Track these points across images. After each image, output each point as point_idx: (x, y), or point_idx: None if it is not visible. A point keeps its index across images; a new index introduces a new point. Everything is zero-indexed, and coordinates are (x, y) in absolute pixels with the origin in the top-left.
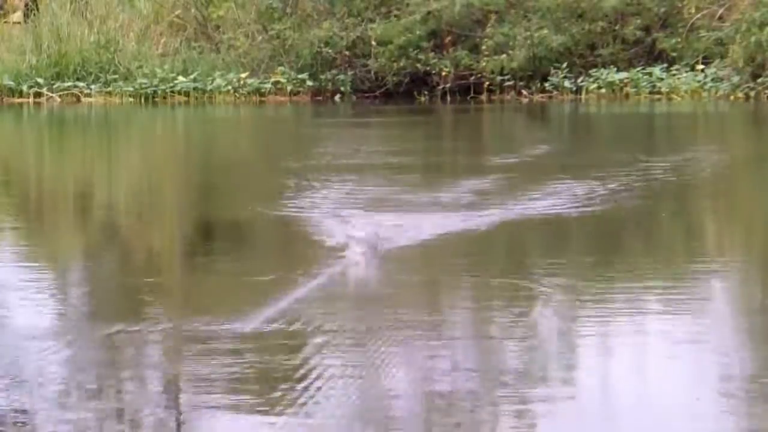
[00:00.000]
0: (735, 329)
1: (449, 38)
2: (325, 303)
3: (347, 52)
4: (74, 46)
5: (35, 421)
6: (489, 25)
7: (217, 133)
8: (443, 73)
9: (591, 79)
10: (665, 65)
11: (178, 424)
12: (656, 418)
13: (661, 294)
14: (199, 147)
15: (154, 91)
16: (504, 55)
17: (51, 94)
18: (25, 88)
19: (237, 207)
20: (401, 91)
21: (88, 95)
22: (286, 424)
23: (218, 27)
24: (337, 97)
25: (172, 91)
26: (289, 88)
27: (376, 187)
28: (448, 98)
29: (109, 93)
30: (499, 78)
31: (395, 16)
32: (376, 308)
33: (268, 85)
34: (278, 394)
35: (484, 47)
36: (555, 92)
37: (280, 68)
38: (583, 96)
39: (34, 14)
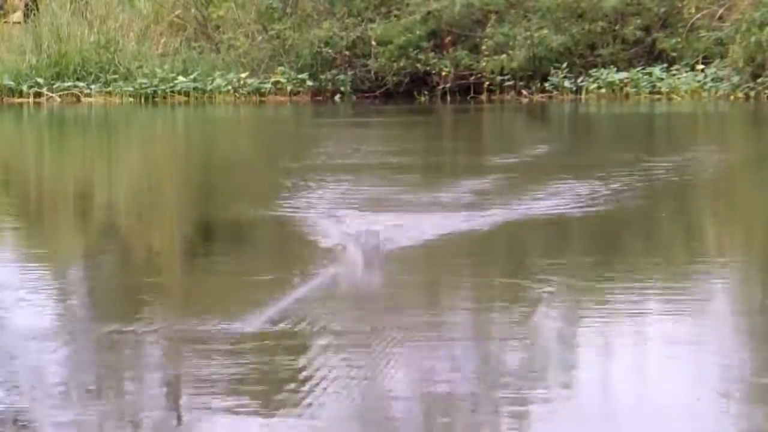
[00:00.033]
0: (736, 330)
1: (449, 38)
2: (326, 303)
3: (347, 52)
4: (74, 46)
5: (35, 422)
6: (489, 25)
7: (217, 133)
8: (443, 73)
9: (591, 79)
10: (665, 65)
11: (178, 425)
12: (656, 418)
13: (664, 294)
14: (199, 147)
15: (154, 91)
16: (504, 55)
17: (51, 94)
18: (25, 88)
19: (237, 207)
20: (401, 91)
21: (88, 95)
22: (287, 425)
23: (218, 27)
24: (337, 97)
25: (172, 91)
26: (289, 88)
27: (375, 187)
28: (448, 98)
29: (109, 93)
30: (499, 78)
31: (395, 16)
32: (377, 308)
33: (268, 85)
34: (279, 394)
35: (484, 47)
36: (555, 92)
37: (280, 68)
38: (583, 96)
39: (34, 14)
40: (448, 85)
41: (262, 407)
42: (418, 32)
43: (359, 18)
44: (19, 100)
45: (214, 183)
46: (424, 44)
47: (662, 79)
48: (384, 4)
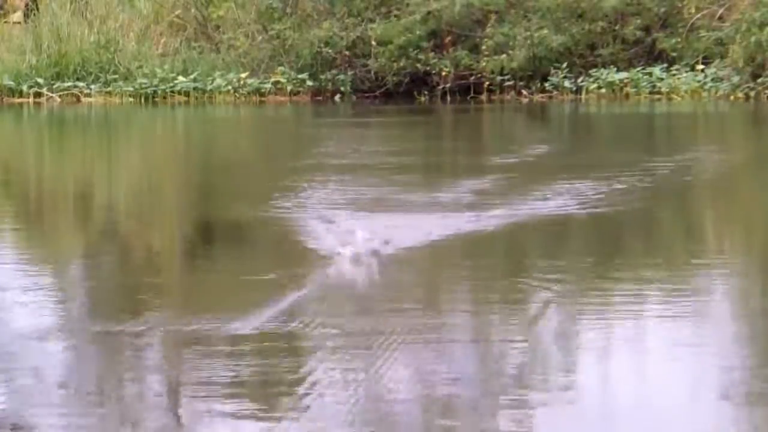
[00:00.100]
0: (737, 332)
1: (449, 38)
2: (327, 303)
3: (347, 52)
4: (74, 46)
5: (34, 423)
6: (489, 25)
7: (217, 133)
8: (443, 73)
9: (591, 79)
10: (665, 65)
11: (178, 426)
12: (657, 420)
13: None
14: (199, 147)
15: (154, 91)
16: (504, 55)
17: (51, 94)
18: (25, 88)
19: (237, 207)
20: (401, 91)
21: (88, 95)
22: (285, 426)
23: (218, 27)
24: (337, 97)
25: (172, 91)
26: (289, 88)
27: (375, 187)
28: (448, 98)
29: (109, 93)
30: (499, 78)
31: (395, 16)
32: (377, 309)
33: (268, 85)
34: (278, 396)
35: (484, 47)
36: (555, 92)
37: (280, 68)
38: (583, 96)
39: (34, 14)
40: (448, 85)
41: (261, 408)
42: (418, 32)
43: (359, 18)
44: (19, 100)
45: (214, 183)
46: (424, 44)
47: (662, 79)
48: (384, 4)
